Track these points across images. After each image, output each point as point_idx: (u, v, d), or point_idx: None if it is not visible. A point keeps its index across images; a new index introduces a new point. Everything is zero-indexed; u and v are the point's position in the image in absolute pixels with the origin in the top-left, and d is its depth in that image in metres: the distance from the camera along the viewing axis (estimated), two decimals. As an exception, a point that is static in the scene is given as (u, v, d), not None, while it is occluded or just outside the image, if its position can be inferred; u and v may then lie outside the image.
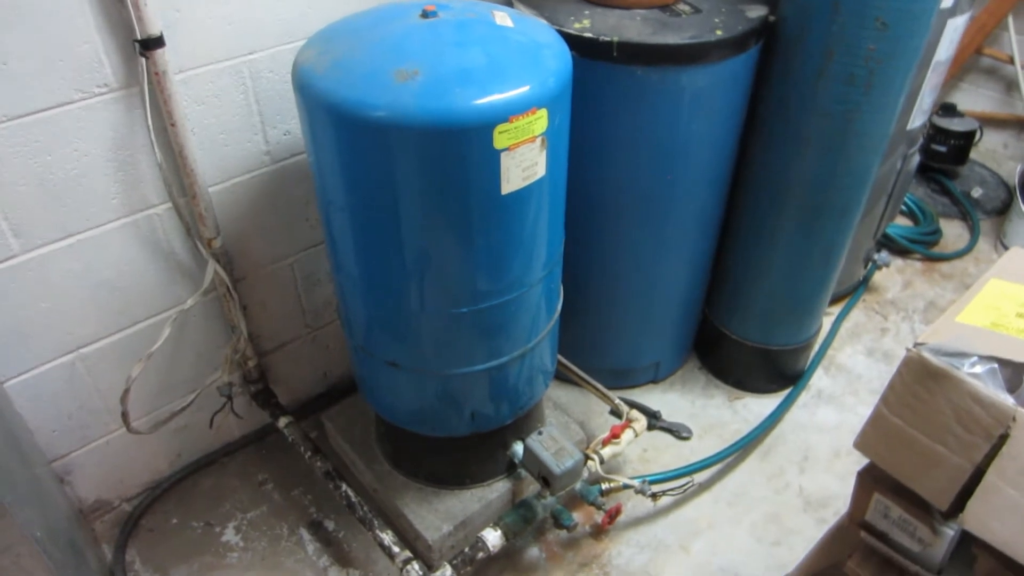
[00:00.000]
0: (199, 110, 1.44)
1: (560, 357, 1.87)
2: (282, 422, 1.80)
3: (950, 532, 1.13)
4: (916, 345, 1.10)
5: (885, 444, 1.15)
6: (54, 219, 1.38)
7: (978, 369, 1.07)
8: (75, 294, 1.47)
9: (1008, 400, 1.03)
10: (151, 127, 1.37)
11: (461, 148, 1.15)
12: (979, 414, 1.04)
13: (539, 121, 1.19)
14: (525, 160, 1.21)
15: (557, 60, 1.25)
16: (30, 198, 1.33)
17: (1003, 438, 1.01)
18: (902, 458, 1.13)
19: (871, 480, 1.22)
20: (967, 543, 1.13)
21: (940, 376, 1.07)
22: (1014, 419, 1.00)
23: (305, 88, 1.20)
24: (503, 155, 1.18)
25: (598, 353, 2.05)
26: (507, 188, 1.22)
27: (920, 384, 1.09)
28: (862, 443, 1.18)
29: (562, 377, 2.03)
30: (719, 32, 1.51)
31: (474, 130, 1.14)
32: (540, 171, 1.26)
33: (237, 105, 1.49)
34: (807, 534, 1.75)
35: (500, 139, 1.16)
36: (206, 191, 1.50)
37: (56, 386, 1.54)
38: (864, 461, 1.25)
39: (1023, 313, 1.16)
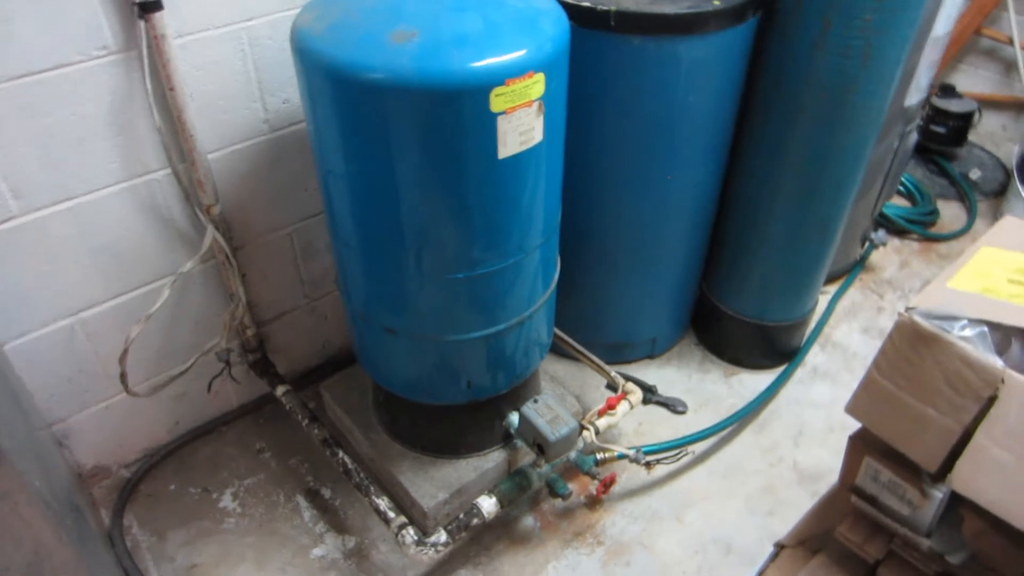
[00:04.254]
0: (198, 76, 1.45)
1: (557, 330, 1.88)
2: (280, 390, 1.81)
3: (938, 494, 1.14)
4: (907, 309, 1.11)
5: (876, 408, 1.16)
6: (54, 181, 1.39)
7: (968, 332, 1.08)
8: (74, 258, 1.48)
9: (997, 362, 1.04)
10: (150, 91, 1.38)
11: (458, 111, 1.16)
12: (969, 376, 1.05)
13: (536, 85, 1.20)
14: (522, 124, 1.22)
15: (555, 26, 1.26)
16: (30, 160, 1.34)
17: (991, 400, 1.02)
18: (892, 421, 1.14)
19: (862, 444, 1.23)
20: (955, 505, 1.15)
21: (931, 339, 1.08)
22: (1003, 381, 1.02)
23: (303, 51, 1.20)
24: (500, 119, 1.18)
25: (595, 327, 2.06)
26: (504, 152, 1.23)
27: (911, 348, 1.10)
28: (853, 407, 1.20)
29: (559, 351, 2.05)
30: (717, 2, 1.51)
31: (470, 92, 1.14)
32: (537, 136, 1.26)
33: (236, 72, 1.50)
34: (800, 506, 1.76)
35: (497, 102, 1.16)
36: (205, 157, 1.51)
37: (55, 350, 1.56)
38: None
39: (1014, 279, 1.17)
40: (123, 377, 1.56)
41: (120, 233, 1.52)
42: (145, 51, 1.34)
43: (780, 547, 1.40)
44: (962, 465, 1.05)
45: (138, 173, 1.48)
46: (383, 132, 1.19)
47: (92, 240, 1.49)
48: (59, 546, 1.06)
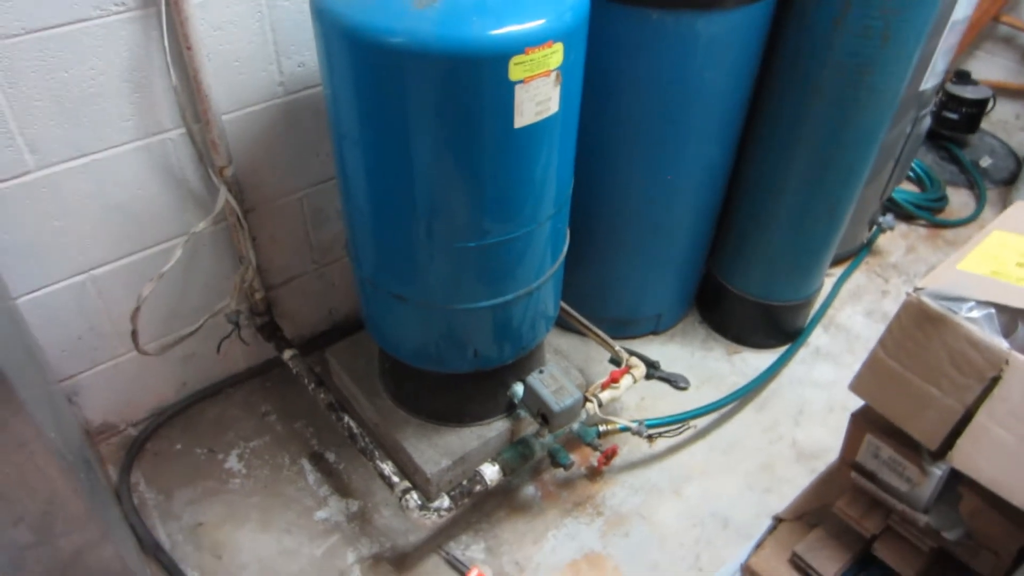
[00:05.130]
0: (215, 35, 1.44)
1: (562, 304, 1.89)
2: (287, 354, 1.82)
3: (938, 472, 1.16)
4: (916, 290, 1.13)
5: (880, 386, 1.18)
6: (69, 138, 1.39)
7: (975, 314, 1.09)
8: (88, 214, 1.49)
9: (1003, 344, 1.05)
10: (167, 49, 1.38)
11: (476, 78, 1.16)
12: (973, 357, 1.06)
13: (555, 55, 1.20)
14: (539, 94, 1.22)
15: (575, -4, 1.25)
16: (46, 115, 1.34)
17: (995, 380, 1.04)
18: (896, 400, 1.16)
19: (864, 421, 1.25)
20: (953, 483, 1.17)
21: (937, 320, 1.09)
22: (1007, 362, 1.03)
23: (322, 13, 1.20)
24: (517, 88, 1.18)
25: (600, 302, 2.07)
26: (520, 122, 1.23)
27: (918, 328, 1.12)
28: (857, 385, 1.21)
29: (564, 325, 2.06)
30: (737, -22, 1.50)
31: (490, 60, 1.14)
32: (553, 107, 1.26)
33: (252, 33, 1.49)
34: (798, 483, 1.79)
35: (515, 71, 1.16)
36: (219, 118, 1.51)
37: (67, 306, 1.57)
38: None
39: (1023, 263, 1.18)
40: (134, 335, 1.58)
41: (134, 192, 1.52)
42: (164, 8, 1.34)
43: (778, 520, 1.43)
44: (963, 444, 1.06)
45: (153, 132, 1.48)
46: (401, 97, 1.19)
47: (106, 198, 1.49)
48: (73, 497, 1.08)
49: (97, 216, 1.50)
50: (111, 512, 1.50)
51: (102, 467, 1.75)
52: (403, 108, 1.20)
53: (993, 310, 1.09)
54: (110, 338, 1.67)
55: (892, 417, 1.17)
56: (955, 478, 1.13)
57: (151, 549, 1.61)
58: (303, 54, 1.59)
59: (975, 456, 1.06)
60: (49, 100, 1.33)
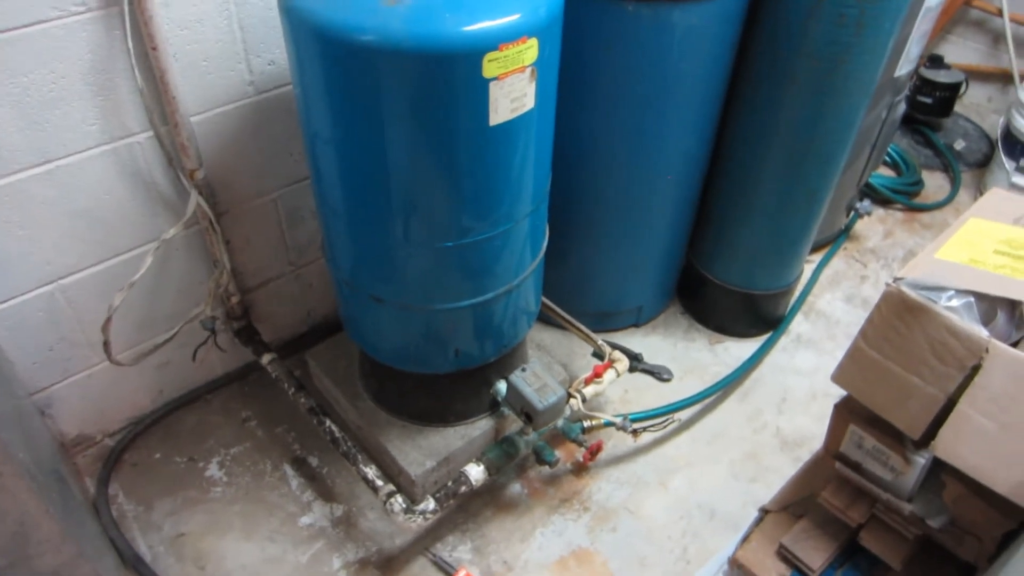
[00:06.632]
0: (181, 35, 1.41)
1: (544, 299, 1.88)
2: (265, 359, 1.79)
3: (921, 460, 1.16)
4: (895, 280, 1.13)
5: (862, 377, 1.18)
6: (32, 143, 1.35)
7: (955, 303, 1.10)
8: (54, 222, 1.45)
9: (982, 332, 1.05)
10: (131, 50, 1.34)
11: (449, 76, 1.13)
12: (954, 346, 1.06)
13: (529, 51, 1.18)
14: (514, 91, 1.20)
15: (548, -11, 1.23)
16: (6, 120, 1.30)
17: (976, 369, 1.04)
18: (878, 390, 1.16)
19: (847, 412, 1.25)
20: (936, 471, 1.17)
21: (917, 310, 1.09)
22: (987, 350, 1.03)
23: (291, 10, 1.17)
24: (492, 85, 1.16)
25: (581, 296, 2.06)
26: (495, 119, 1.21)
27: (898, 318, 1.12)
28: (840, 376, 1.21)
29: (545, 319, 2.05)
30: (711, -32, 1.49)
31: (463, 57, 1.12)
32: (529, 103, 1.24)
33: (220, 31, 1.46)
34: (783, 472, 1.79)
35: (489, 68, 1.14)
36: (188, 120, 1.47)
37: (36, 317, 1.53)
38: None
39: (1000, 250, 1.18)
40: (106, 346, 1.54)
41: (101, 198, 1.49)
42: (127, 7, 1.30)
43: (764, 512, 1.43)
44: (945, 432, 1.07)
45: (119, 136, 1.44)
46: (372, 96, 1.16)
47: (72, 204, 1.46)
48: (45, 518, 1.05)
49: (64, 224, 1.47)
50: (88, 527, 1.47)
51: (79, 480, 1.72)
52: (375, 107, 1.17)
53: (972, 298, 1.10)
54: (83, 348, 1.64)
55: (875, 407, 1.17)
56: (938, 466, 1.14)
57: (132, 562, 1.58)
58: (273, 52, 1.55)
59: (957, 444, 1.06)
60: (9, 106, 1.29)
